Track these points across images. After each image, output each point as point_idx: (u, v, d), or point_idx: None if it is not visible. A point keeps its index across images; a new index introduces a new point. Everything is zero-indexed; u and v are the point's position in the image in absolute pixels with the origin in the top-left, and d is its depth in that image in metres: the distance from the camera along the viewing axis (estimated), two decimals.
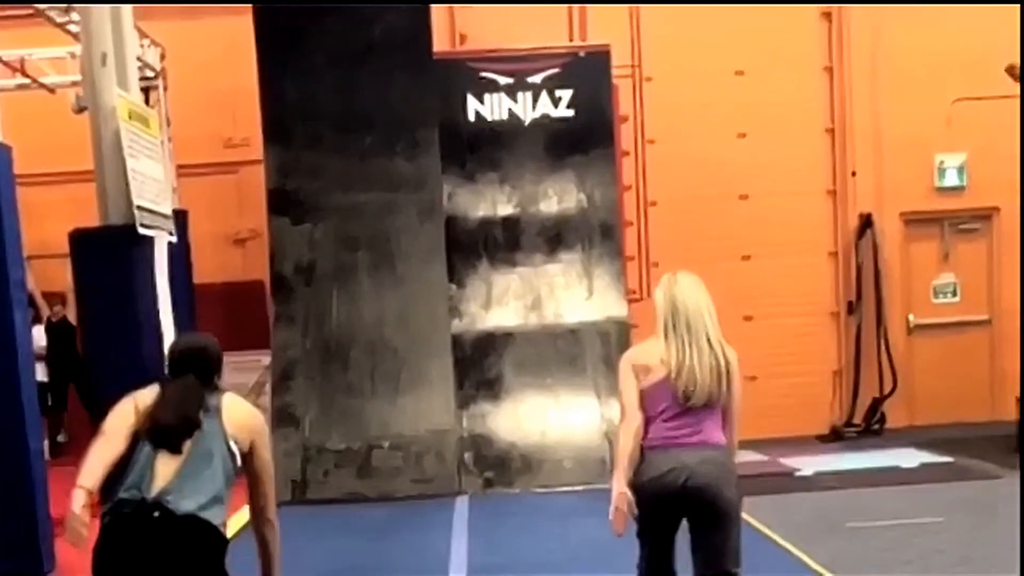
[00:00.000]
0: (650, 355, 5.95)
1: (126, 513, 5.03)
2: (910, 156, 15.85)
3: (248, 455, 5.28)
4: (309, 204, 13.20)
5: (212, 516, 5.08)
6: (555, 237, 13.76)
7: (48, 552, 9.18)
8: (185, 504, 4.96)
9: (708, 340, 5.94)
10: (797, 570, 8.49)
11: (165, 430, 5.09)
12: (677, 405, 5.82)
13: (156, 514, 4.95)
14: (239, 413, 5.27)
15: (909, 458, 13.37)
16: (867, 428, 15.67)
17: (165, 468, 5.01)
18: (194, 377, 5.25)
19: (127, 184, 7.09)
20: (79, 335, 13.63)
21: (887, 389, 15.72)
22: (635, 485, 5.84)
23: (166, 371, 5.37)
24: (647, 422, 5.86)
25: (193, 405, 5.17)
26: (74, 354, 14.45)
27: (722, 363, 5.93)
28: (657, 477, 5.77)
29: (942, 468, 12.65)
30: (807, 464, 13.32)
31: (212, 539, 5.13)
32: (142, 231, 7.10)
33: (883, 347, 15.82)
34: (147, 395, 5.25)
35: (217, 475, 5.12)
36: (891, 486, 11.83)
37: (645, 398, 5.86)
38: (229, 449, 5.17)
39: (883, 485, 11.90)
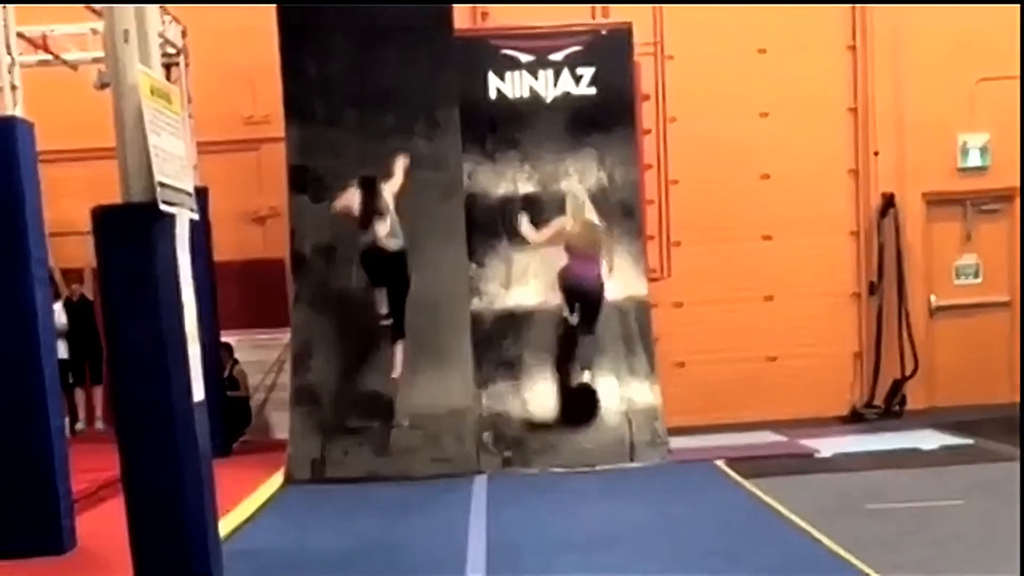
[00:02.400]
0: None
1: None
2: (933, 136, 15.79)
3: None
4: (329, 182, 13.22)
5: None
6: None
7: (68, 529, 9.25)
8: None
9: None
10: (817, 550, 8.49)
11: None
12: None
13: None
14: None
15: (929, 440, 13.35)
16: (887, 409, 15.64)
17: None
18: None
19: (149, 160, 7.08)
20: (97, 312, 13.74)
21: (908, 370, 15.68)
22: None
23: None
24: None
25: None
26: (93, 331, 14.53)
27: None
28: None
29: (962, 450, 12.63)
30: (827, 445, 13.31)
31: None
32: (164, 208, 7.11)
33: (904, 328, 15.79)
34: None
35: None
36: (911, 468, 11.81)
37: None
38: None
39: (903, 467, 11.89)
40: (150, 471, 7.30)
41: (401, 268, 12.64)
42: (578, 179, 13.76)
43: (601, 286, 13.08)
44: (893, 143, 15.93)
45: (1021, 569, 4.33)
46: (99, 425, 15.07)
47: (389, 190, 12.56)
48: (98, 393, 15.08)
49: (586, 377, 12.98)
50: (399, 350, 12.72)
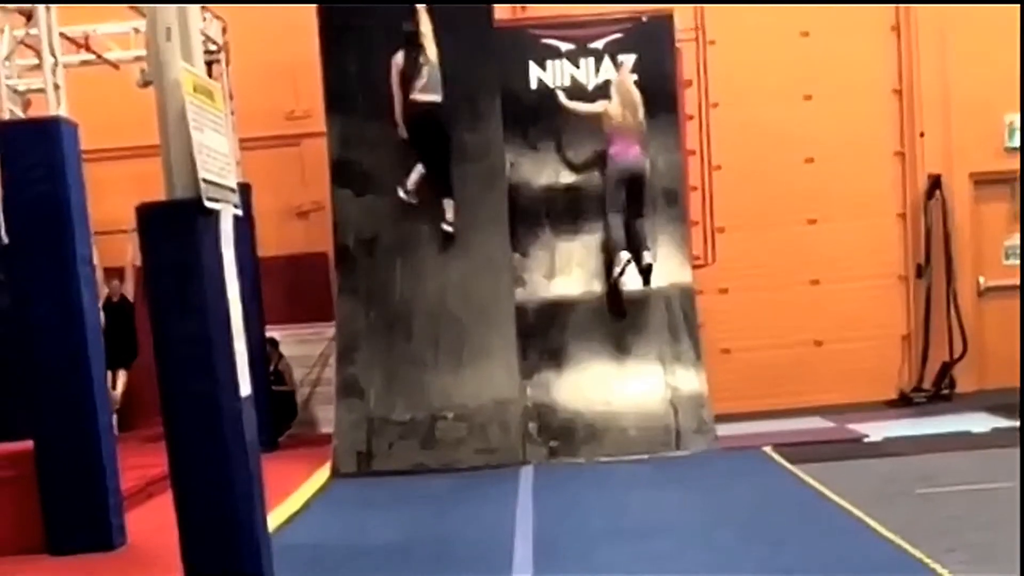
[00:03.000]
0: None
1: None
2: (979, 116, 15.66)
3: None
4: (371, 176, 13.28)
5: None
6: None
7: (118, 526, 9.35)
8: None
9: None
10: (867, 536, 8.46)
11: None
12: None
13: None
14: None
15: (980, 423, 13.25)
16: (937, 393, 15.54)
17: None
18: None
19: (193, 158, 7.13)
20: (138, 311, 13.78)
21: (957, 353, 15.58)
22: None
23: None
24: None
25: None
26: (131, 333, 14.52)
27: None
28: None
29: (1014, 432, 12.50)
30: (876, 430, 13.24)
31: None
32: (208, 204, 7.16)
33: (953, 310, 15.67)
34: None
35: None
36: (962, 451, 11.73)
37: None
38: None
39: (953, 450, 11.81)
40: (198, 467, 7.35)
41: (435, 123, 12.88)
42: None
43: (644, 166, 13.32)
44: (939, 124, 15.81)
45: (1021, 569, 4.31)
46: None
47: (428, 40, 12.74)
48: (120, 375, 14.87)
49: (648, 258, 13.31)
50: (448, 206, 13.03)
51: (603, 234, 13.53)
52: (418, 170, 13.02)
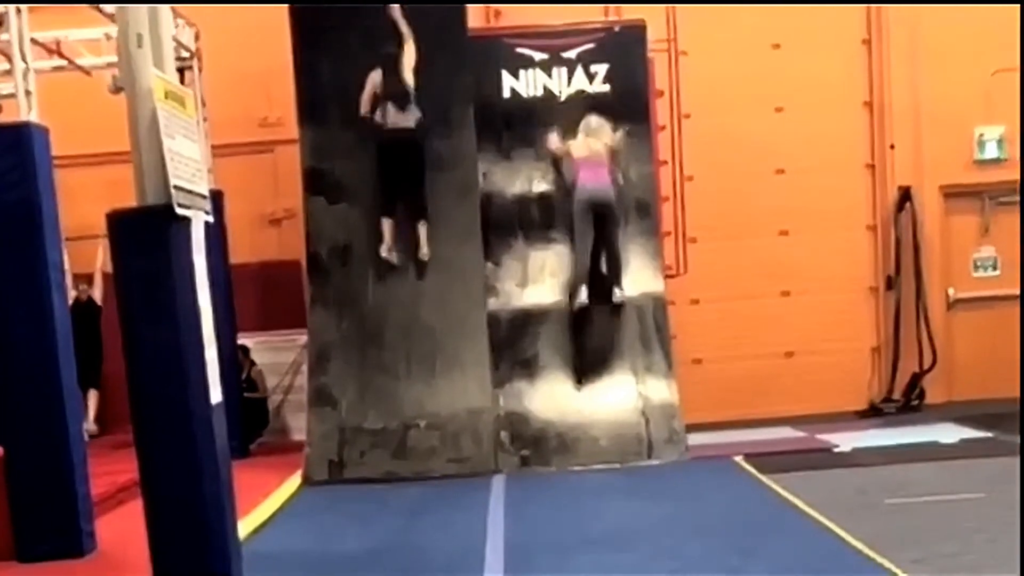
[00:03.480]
0: None
1: None
2: (949, 129, 15.76)
3: None
4: (344, 184, 13.25)
5: None
6: None
7: (88, 533, 9.30)
8: None
9: None
10: (836, 546, 8.48)
11: None
12: None
13: None
14: None
15: (949, 433, 13.33)
16: (906, 404, 15.62)
17: None
18: None
19: (164, 164, 7.11)
20: (106, 315, 13.72)
21: (926, 364, 15.67)
22: None
23: None
24: None
25: None
26: (96, 336, 14.46)
27: None
28: None
29: (982, 443, 12.60)
30: (846, 440, 13.29)
31: None
32: (179, 211, 7.13)
33: (922, 322, 15.76)
34: None
35: None
36: (930, 462, 11.79)
37: None
38: None
39: (922, 461, 11.86)
40: (169, 474, 7.32)
41: (411, 148, 12.85)
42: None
43: (610, 195, 13.26)
44: (909, 136, 15.91)
45: (1021, 569, 4.34)
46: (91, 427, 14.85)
47: (407, 66, 12.77)
48: (91, 398, 14.80)
49: (618, 295, 13.29)
50: (422, 231, 13.01)
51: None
52: (387, 225, 12.97)
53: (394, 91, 12.75)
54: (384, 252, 12.94)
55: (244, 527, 8.90)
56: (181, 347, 7.21)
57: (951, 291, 16.14)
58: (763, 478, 11.31)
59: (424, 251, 12.99)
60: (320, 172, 13.35)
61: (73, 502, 9.16)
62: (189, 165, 7.55)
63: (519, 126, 13.85)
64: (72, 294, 14.24)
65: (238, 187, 14.48)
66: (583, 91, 13.81)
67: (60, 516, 9.13)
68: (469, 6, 13.86)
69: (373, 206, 13.10)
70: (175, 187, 7.15)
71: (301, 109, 13.44)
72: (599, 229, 13.15)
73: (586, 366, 13.27)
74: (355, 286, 13.11)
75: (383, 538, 9.75)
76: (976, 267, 16.29)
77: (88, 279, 14.67)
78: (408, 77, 12.76)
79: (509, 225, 13.71)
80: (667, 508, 10.36)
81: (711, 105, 15.45)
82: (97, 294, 14.72)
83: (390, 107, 12.71)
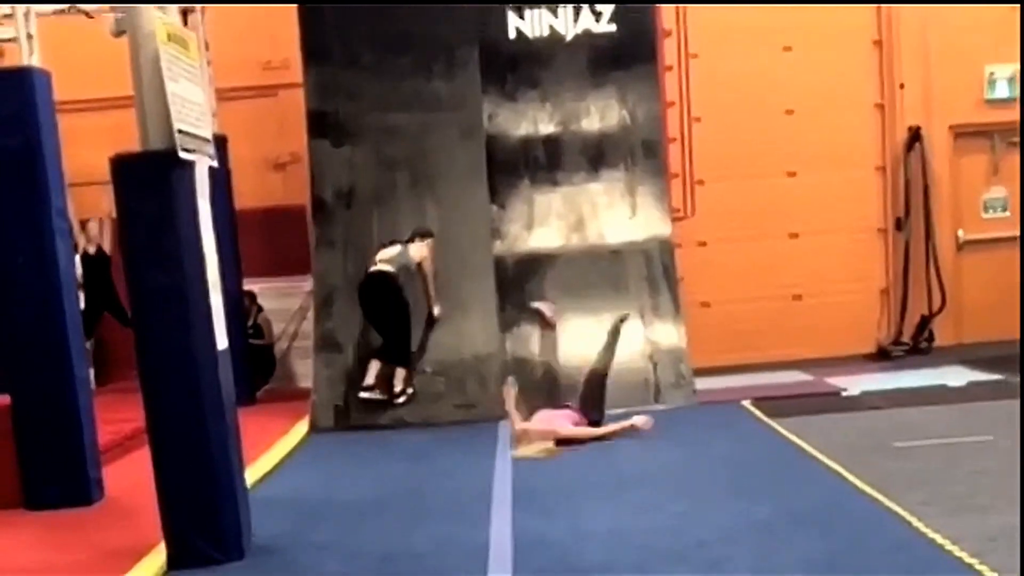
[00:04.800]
0: None
1: None
2: (959, 67, 15.65)
3: None
4: (348, 126, 13.22)
5: None
6: (597, 155, 13.70)
7: (96, 480, 9.34)
8: None
9: None
10: (844, 489, 8.50)
11: None
12: None
13: None
14: None
15: (957, 376, 13.32)
16: (915, 346, 15.61)
17: None
18: None
19: (167, 108, 7.09)
20: (115, 263, 13.74)
21: (935, 306, 15.64)
22: None
23: None
24: None
25: None
26: (108, 284, 14.51)
27: None
28: None
29: (991, 386, 12.59)
30: (853, 383, 13.29)
31: None
32: (183, 155, 7.12)
33: (931, 263, 15.73)
34: None
35: None
36: (939, 405, 11.79)
37: None
38: None
39: (930, 404, 11.86)
40: (175, 421, 7.38)
41: (388, 290, 12.46)
42: (599, 117, 13.68)
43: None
44: (919, 75, 15.80)
45: (1021, 569, 4.36)
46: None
47: (416, 251, 12.67)
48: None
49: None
50: (399, 377, 12.65)
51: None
52: (373, 367, 12.67)
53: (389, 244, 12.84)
54: (364, 393, 12.56)
55: (251, 474, 8.94)
56: (186, 292, 7.24)
57: (960, 232, 16.10)
58: (771, 422, 11.34)
59: (398, 390, 12.65)
60: (324, 115, 13.32)
61: (80, 449, 9.20)
62: (193, 109, 7.53)
63: (524, 67, 13.77)
64: (81, 243, 14.27)
65: (242, 131, 14.46)
66: (589, 31, 13.71)
67: (67, 463, 9.17)
68: None
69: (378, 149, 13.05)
70: (179, 131, 7.14)
71: (305, 51, 13.38)
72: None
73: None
74: (360, 230, 13.09)
75: (390, 484, 9.79)
76: (986, 208, 16.23)
77: (95, 225, 14.64)
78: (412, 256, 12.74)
79: (514, 167, 13.66)
80: (674, 452, 10.40)
81: (719, 45, 15.34)
82: (106, 241, 14.71)
83: (379, 254, 12.76)
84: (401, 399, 12.57)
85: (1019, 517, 5.62)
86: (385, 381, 12.54)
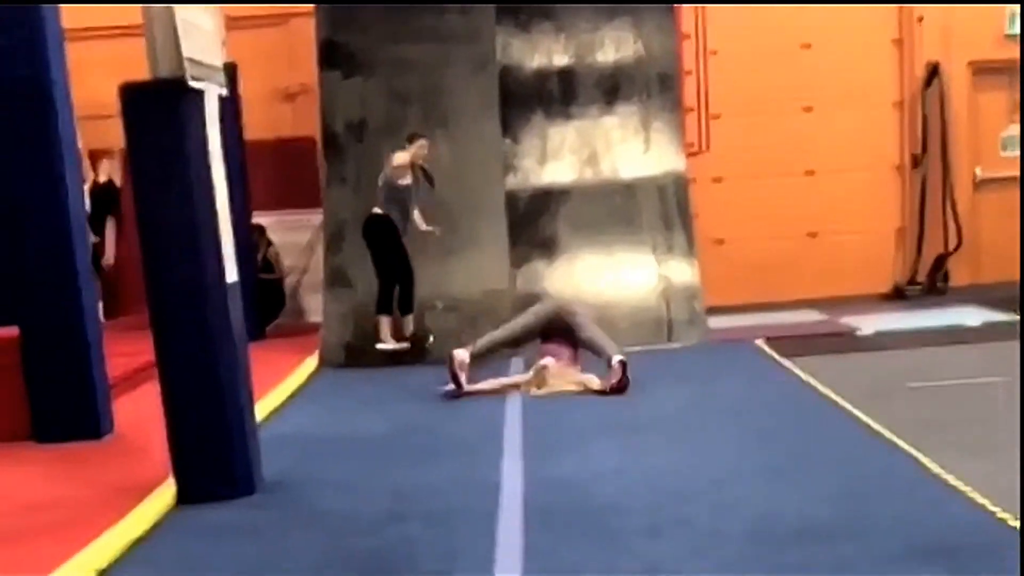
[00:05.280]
0: None
1: None
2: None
3: None
4: (360, 57, 13.07)
5: None
6: (612, 88, 13.54)
7: (105, 414, 9.35)
8: None
9: None
10: (857, 430, 8.49)
11: None
12: None
13: None
14: None
15: (973, 316, 13.29)
16: (931, 286, 15.56)
17: None
18: None
19: (177, 36, 7.02)
20: (124, 196, 13.70)
21: (952, 246, 15.58)
22: None
23: None
24: None
25: None
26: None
27: None
28: None
29: (1007, 326, 12.56)
30: (868, 323, 13.27)
31: None
32: (193, 84, 7.06)
33: (948, 202, 15.64)
34: None
35: None
36: (954, 345, 11.77)
37: None
38: None
39: (946, 344, 11.84)
40: (184, 354, 7.36)
41: (371, 233, 12.31)
42: (614, 50, 13.52)
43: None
44: (938, 10, 15.63)
45: (1021, 570, 4.36)
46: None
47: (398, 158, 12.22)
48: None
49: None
50: (407, 321, 12.49)
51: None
52: (384, 321, 12.42)
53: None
54: (382, 345, 12.36)
55: (260, 409, 8.94)
56: (195, 224, 7.19)
57: (978, 170, 15.99)
58: (784, 362, 11.31)
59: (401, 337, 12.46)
60: (335, 45, 13.17)
61: (90, 382, 9.19)
62: (203, 37, 7.46)
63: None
64: (90, 176, 14.18)
65: (252, 61, 14.34)
66: None
67: (77, 396, 9.17)
68: None
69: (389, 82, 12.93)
70: (188, 59, 7.07)
71: None
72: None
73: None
74: (371, 163, 12.99)
75: (401, 421, 9.79)
76: (1004, 146, 16.10)
77: (104, 156, 14.56)
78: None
79: (528, 100, 13.52)
80: (686, 392, 10.38)
81: None
82: (116, 173, 14.62)
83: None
84: (385, 345, 12.36)
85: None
86: (397, 331, 12.46)
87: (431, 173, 12.14)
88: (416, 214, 12.37)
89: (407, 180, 12.11)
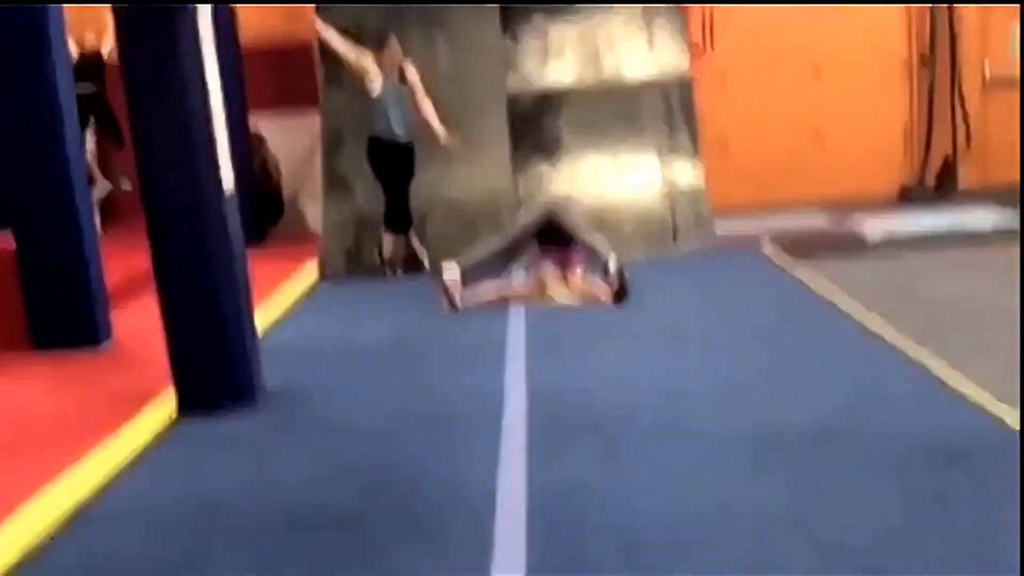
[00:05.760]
0: None
1: None
2: None
3: None
4: None
5: None
6: None
7: (104, 321, 9.34)
8: None
9: None
10: (863, 337, 8.49)
11: None
12: None
13: None
14: None
15: (982, 220, 13.21)
16: (938, 187, 15.47)
17: None
18: None
19: None
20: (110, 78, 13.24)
21: (960, 146, 15.47)
22: None
23: None
24: None
25: None
26: (101, 93, 14.04)
27: None
28: None
29: (1016, 230, 12.48)
30: (876, 226, 13.19)
31: None
32: None
33: (957, 101, 15.51)
34: None
35: None
36: (962, 249, 11.70)
37: None
38: None
39: (954, 248, 11.77)
40: (182, 263, 7.35)
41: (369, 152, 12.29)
42: None
43: None
44: None
45: (1021, 569, 4.41)
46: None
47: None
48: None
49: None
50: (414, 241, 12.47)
51: None
52: (386, 240, 12.39)
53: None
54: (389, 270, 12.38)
55: (260, 319, 8.90)
56: (190, 133, 7.13)
57: (987, 69, 15.80)
58: (791, 267, 11.30)
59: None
60: None
61: (87, 289, 9.15)
62: None
63: None
64: (74, 48, 13.49)
65: None
66: None
67: (75, 303, 9.14)
68: None
69: None
70: None
71: None
72: None
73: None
74: None
75: (401, 331, 9.78)
76: (1014, 44, 15.89)
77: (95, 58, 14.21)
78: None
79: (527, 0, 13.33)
80: (692, 298, 10.38)
81: None
82: (106, 46, 13.97)
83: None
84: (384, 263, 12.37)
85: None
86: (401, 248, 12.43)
87: (408, 75, 12.04)
88: (436, 123, 12.16)
89: (379, 89, 11.99)
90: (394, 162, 12.11)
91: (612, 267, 10.11)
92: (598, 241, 10.61)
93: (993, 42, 15.82)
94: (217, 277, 7.36)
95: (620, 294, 10.01)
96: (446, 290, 10.28)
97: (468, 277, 10.45)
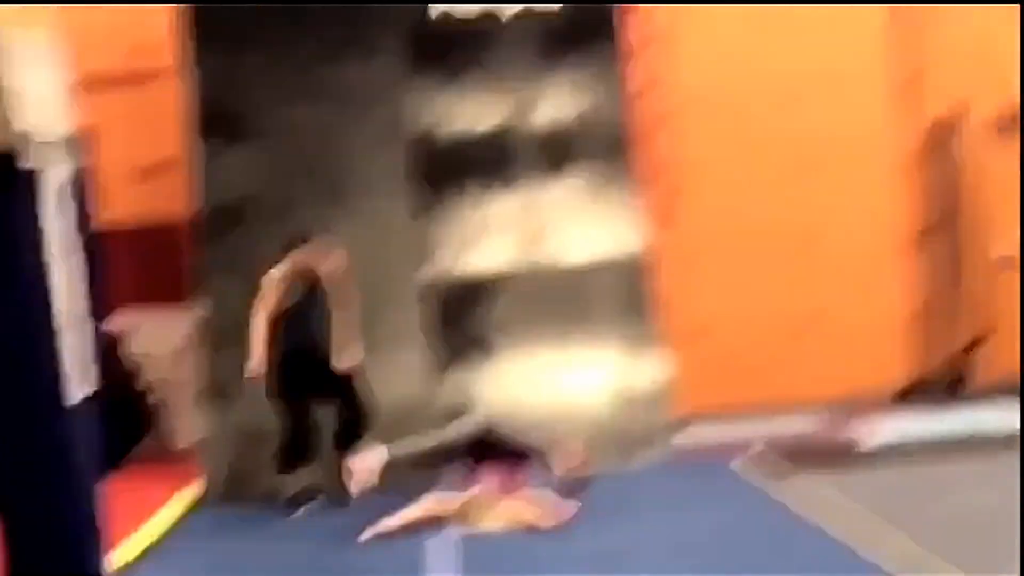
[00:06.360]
0: None
1: None
2: None
3: None
4: (241, 124, 13.11)
5: None
6: (552, 155, 13.63)
7: None
8: None
9: None
10: (861, 570, 8.48)
11: None
12: None
13: None
14: None
15: (997, 420, 13.25)
16: (948, 382, 15.54)
17: None
18: None
19: (4, 103, 7.04)
20: None
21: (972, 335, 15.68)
22: None
23: None
24: None
25: None
26: None
27: None
28: None
29: None
30: (873, 432, 13.25)
31: None
32: (26, 164, 7.07)
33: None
34: None
35: None
36: (978, 456, 11.77)
37: None
38: None
39: (969, 455, 11.83)
40: (22, 494, 7.28)
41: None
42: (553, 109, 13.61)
43: None
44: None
45: (1021, 569, 4.43)
46: None
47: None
48: None
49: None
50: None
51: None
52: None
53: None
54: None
55: (119, 558, 8.82)
56: (29, 332, 7.13)
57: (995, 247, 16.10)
58: (769, 486, 11.31)
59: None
60: (210, 110, 13.20)
61: None
62: (41, 103, 7.47)
63: (457, 53, 13.67)
64: None
65: (106, 130, 14.28)
66: (531, 10, 13.63)
67: None
68: None
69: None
70: (19, 132, 7.07)
71: (190, 30, 13.24)
72: None
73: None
74: (253, 251, 12.83)
75: (297, 569, 9.69)
76: None
77: None
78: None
79: (447, 172, 13.54)
80: (652, 525, 10.33)
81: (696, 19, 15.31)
82: None
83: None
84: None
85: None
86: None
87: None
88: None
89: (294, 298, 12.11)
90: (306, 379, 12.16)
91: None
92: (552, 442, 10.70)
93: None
94: (62, 507, 7.31)
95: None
96: (355, 480, 10.26)
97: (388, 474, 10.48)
